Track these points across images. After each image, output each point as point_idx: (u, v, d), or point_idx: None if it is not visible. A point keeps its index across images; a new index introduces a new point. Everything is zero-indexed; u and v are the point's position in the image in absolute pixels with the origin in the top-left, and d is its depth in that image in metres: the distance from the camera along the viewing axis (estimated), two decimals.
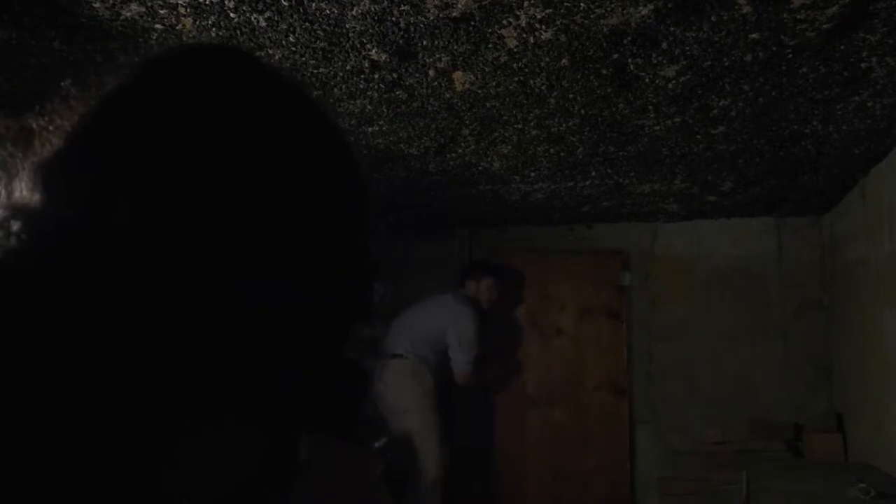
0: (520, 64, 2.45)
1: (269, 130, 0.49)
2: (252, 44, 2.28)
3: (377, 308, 0.56)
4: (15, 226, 0.44)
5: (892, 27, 2.17)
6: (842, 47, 2.31)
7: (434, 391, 4.45)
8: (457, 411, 4.84)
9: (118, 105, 0.47)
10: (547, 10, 2.07)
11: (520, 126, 3.13)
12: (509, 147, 3.44)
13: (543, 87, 2.68)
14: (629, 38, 2.25)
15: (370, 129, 3.15)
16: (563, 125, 3.12)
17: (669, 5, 2.03)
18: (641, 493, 5.08)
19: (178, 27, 2.17)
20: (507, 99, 2.79)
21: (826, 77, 2.56)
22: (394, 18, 2.13)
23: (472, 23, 2.15)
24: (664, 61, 2.43)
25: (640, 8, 2.05)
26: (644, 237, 5.26)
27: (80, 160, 0.46)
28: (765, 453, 4.54)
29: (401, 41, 2.28)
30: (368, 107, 2.88)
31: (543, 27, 2.18)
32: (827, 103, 2.83)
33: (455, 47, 2.32)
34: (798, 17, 2.11)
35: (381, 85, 2.65)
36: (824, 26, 2.17)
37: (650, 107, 2.88)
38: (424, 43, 2.29)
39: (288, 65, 2.43)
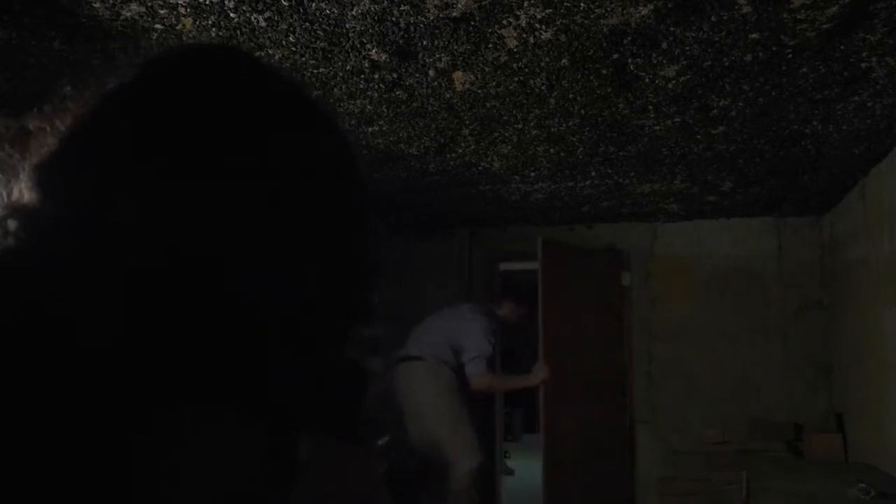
0: (520, 64, 2.45)
1: (268, 130, 0.49)
2: (252, 44, 2.28)
3: (378, 308, 0.56)
4: (13, 225, 0.44)
5: (892, 27, 2.17)
6: (842, 47, 2.31)
7: (453, 390, 4.44)
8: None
9: (118, 104, 0.47)
10: (547, 10, 2.07)
11: (520, 126, 3.13)
12: (509, 147, 3.44)
13: (543, 87, 2.68)
14: (629, 38, 2.25)
15: (370, 129, 3.15)
16: (563, 125, 3.12)
17: (669, 5, 2.03)
18: (641, 493, 5.08)
19: (178, 27, 2.17)
20: (507, 99, 2.79)
21: (826, 77, 2.56)
22: (394, 18, 2.13)
23: (472, 23, 2.15)
24: (664, 61, 2.43)
25: (640, 8, 2.05)
26: (644, 237, 5.27)
27: (78, 159, 0.46)
28: (765, 453, 4.54)
29: (401, 41, 2.28)
30: (368, 107, 2.88)
31: (543, 27, 2.18)
32: (827, 103, 2.83)
33: (455, 47, 2.32)
34: (798, 17, 2.11)
35: (381, 85, 2.65)
36: (824, 26, 2.17)
37: (650, 107, 2.88)
38: (424, 43, 2.29)
39: (288, 65, 2.43)
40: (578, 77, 2.58)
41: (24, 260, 0.43)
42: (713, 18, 2.11)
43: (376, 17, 2.12)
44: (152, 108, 0.47)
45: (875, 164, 3.68)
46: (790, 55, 2.37)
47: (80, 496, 0.40)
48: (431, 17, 2.12)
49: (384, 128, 3.15)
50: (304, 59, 2.40)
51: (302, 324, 0.48)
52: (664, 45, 2.30)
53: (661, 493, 4.69)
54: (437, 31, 2.20)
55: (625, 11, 2.08)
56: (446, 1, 2.03)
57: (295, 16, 2.12)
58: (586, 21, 2.14)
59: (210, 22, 2.15)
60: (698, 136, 3.27)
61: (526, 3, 2.04)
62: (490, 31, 2.20)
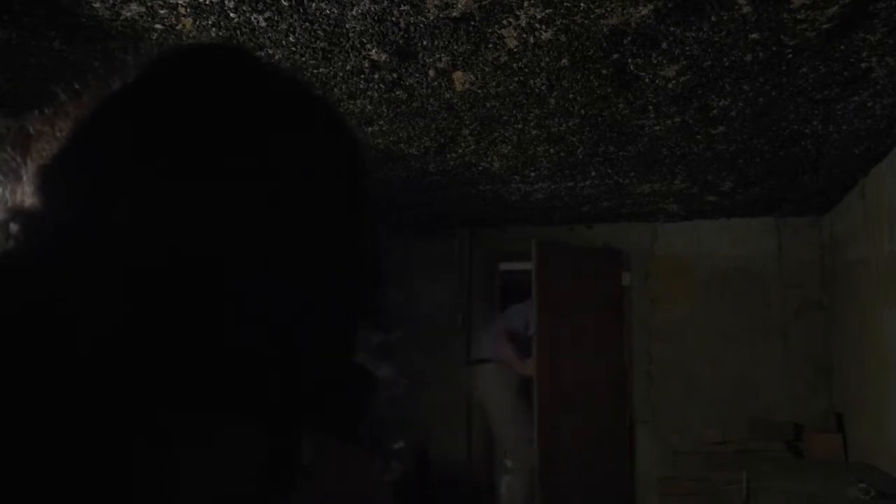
0: (520, 64, 2.45)
1: (270, 130, 0.48)
2: (252, 44, 2.28)
3: (386, 312, 0.55)
4: (14, 226, 0.44)
5: (892, 27, 2.17)
6: (842, 47, 2.31)
7: (518, 389, 4.77)
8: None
9: (118, 105, 0.47)
10: (547, 10, 2.07)
11: (520, 126, 3.13)
12: (509, 147, 3.44)
13: (543, 87, 2.67)
14: (629, 38, 2.25)
15: (370, 129, 3.15)
16: (563, 125, 3.12)
17: (669, 5, 2.03)
18: (641, 493, 5.08)
19: (178, 27, 2.17)
20: (507, 99, 2.79)
21: (826, 77, 2.56)
22: (394, 18, 2.13)
23: (472, 23, 2.15)
24: (664, 61, 2.43)
25: (640, 8, 2.05)
26: (644, 237, 5.26)
27: (79, 160, 0.46)
28: (765, 453, 4.54)
29: (401, 41, 2.28)
30: (368, 107, 2.88)
31: (543, 27, 2.18)
32: (827, 103, 2.83)
33: (455, 47, 2.32)
34: (798, 17, 2.11)
35: (381, 85, 2.65)
36: (824, 26, 2.17)
37: (650, 107, 2.88)
38: (424, 43, 2.29)
39: (288, 65, 2.43)
40: (578, 77, 2.58)
41: (26, 261, 0.43)
42: (713, 18, 2.11)
43: (376, 17, 2.12)
44: (153, 108, 0.47)
45: (875, 164, 3.68)
46: (790, 55, 2.37)
47: (80, 496, 0.40)
48: (431, 17, 2.12)
49: (384, 128, 3.15)
50: (304, 59, 2.40)
51: (303, 325, 0.47)
52: (664, 45, 2.30)
53: (661, 493, 4.69)
54: (437, 31, 2.20)
55: (625, 11, 2.08)
56: (446, 1, 2.03)
57: (295, 16, 2.12)
58: (586, 21, 2.14)
59: (210, 22, 2.15)
60: (698, 136, 3.27)
61: (526, 3, 2.04)
62: (490, 31, 2.20)
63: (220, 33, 2.22)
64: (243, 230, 0.45)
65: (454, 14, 2.10)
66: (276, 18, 2.13)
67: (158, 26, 2.17)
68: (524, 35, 2.23)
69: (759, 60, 2.42)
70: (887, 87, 2.67)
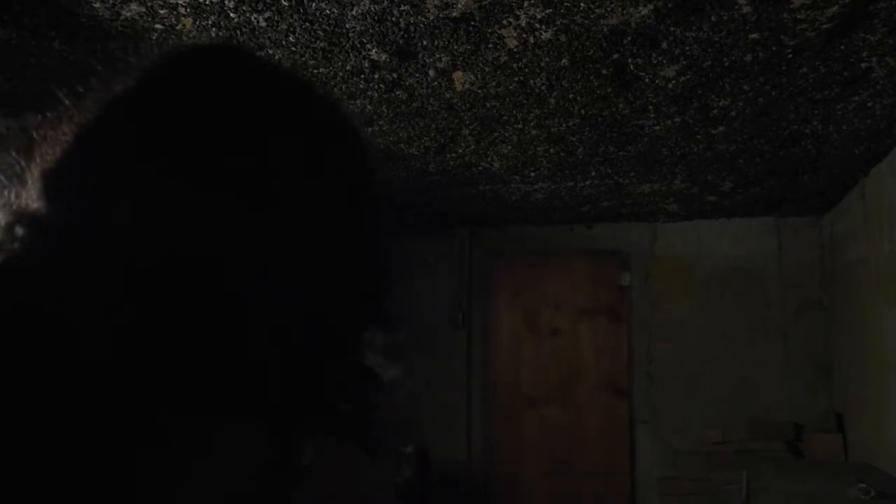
0: (520, 64, 2.45)
1: (272, 130, 0.48)
2: (252, 44, 2.28)
3: (394, 314, 0.55)
4: (18, 227, 0.44)
5: (892, 27, 2.17)
6: (842, 47, 2.31)
7: None
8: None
9: (120, 107, 0.47)
10: (547, 10, 2.07)
11: (520, 126, 3.13)
12: (509, 147, 3.44)
13: (543, 87, 2.68)
14: (629, 38, 2.25)
15: (370, 129, 3.15)
16: (563, 125, 3.12)
17: (669, 5, 2.03)
18: (641, 493, 5.07)
19: (178, 27, 2.17)
20: (507, 99, 2.79)
21: (826, 77, 2.56)
22: (394, 18, 2.13)
23: (472, 23, 2.15)
24: (664, 61, 2.43)
25: (640, 8, 2.05)
26: (644, 237, 5.26)
27: (82, 162, 0.46)
28: (765, 453, 4.53)
29: (401, 41, 2.28)
30: (368, 107, 2.88)
31: (543, 27, 2.18)
32: (827, 103, 2.83)
33: (455, 47, 2.32)
34: (798, 17, 2.11)
35: (381, 85, 2.65)
36: (824, 26, 2.17)
37: (650, 107, 2.88)
38: (424, 43, 2.29)
39: (288, 65, 2.43)
40: (578, 77, 2.58)
41: (30, 263, 0.43)
42: (713, 18, 2.11)
43: (376, 17, 2.12)
44: (155, 108, 0.47)
45: (875, 164, 3.68)
46: (790, 55, 2.37)
47: (81, 496, 0.40)
48: (431, 17, 2.12)
49: (384, 128, 3.15)
50: (304, 59, 2.40)
51: (304, 325, 0.47)
52: (664, 45, 2.30)
53: (661, 493, 4.69)
54: (437, 31, 2.20)
55: (625, 11, 2.08)
56: (446, 1, 2.03)
57: (295, 16, 2.12)
58: (586, 21, 2.14)
59: (210, 22, 2.15)
60: (698, 136, 3.27)
61: (526, 3, 2.04)
62: (490, 31, 2.20)
63: (220, 33, 2.22)
64: (245, 231, 0.45)
65: (454, 14, 2.10)
66: (276, 18, 2.13)
67: (158, 26, 2.17)
68: (524, 35, 2.23)
69: (759, 60, 2.42)
70: (887, 87, 2.67)
